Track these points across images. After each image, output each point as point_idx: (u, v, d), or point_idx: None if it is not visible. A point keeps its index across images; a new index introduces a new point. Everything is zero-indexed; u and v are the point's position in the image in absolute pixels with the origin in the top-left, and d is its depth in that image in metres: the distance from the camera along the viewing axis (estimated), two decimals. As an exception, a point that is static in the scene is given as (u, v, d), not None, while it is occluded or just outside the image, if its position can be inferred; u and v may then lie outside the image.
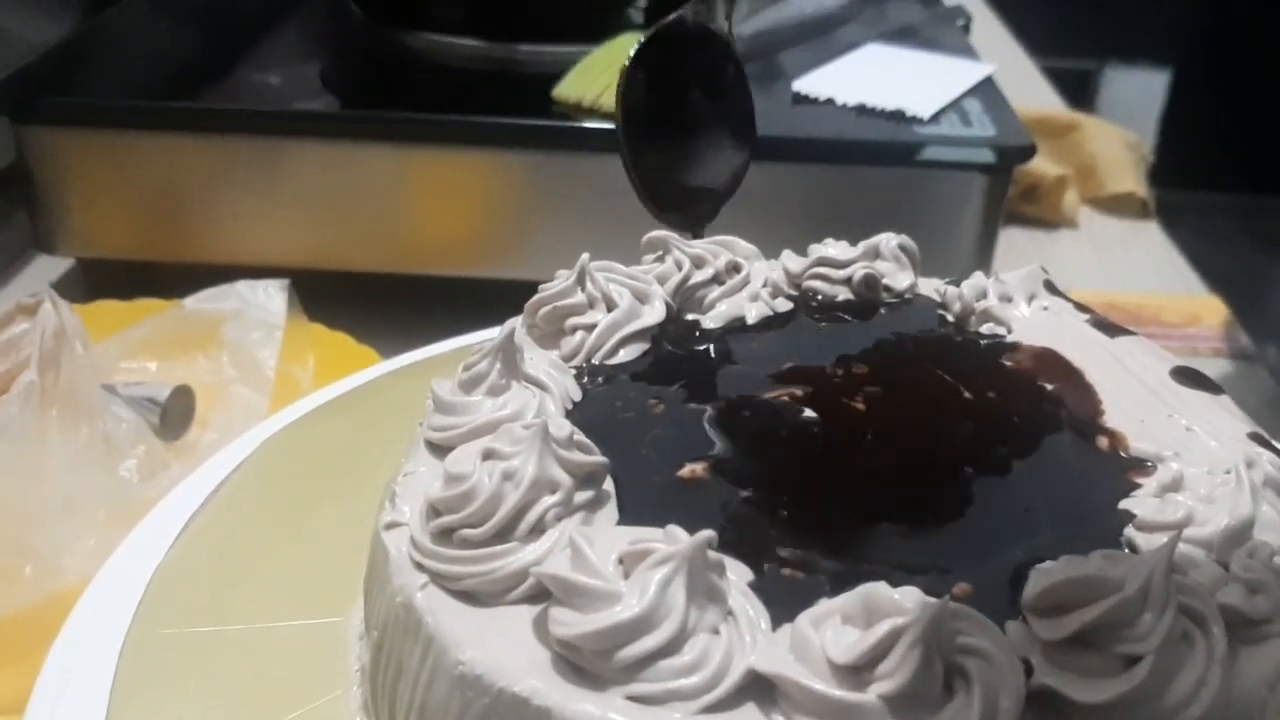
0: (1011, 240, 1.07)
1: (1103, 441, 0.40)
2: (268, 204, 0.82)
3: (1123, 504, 0.37)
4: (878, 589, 0.30)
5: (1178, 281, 1.01)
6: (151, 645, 0.42)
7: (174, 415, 0.67)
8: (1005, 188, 0.82)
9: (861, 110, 0.84)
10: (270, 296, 0.74)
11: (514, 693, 0.31)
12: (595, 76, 0.82)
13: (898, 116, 0.83)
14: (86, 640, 0.43)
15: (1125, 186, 1.12)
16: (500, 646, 0.32)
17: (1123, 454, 0.40)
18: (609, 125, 0.78)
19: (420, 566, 0.35)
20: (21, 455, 0.60)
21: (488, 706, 0.32)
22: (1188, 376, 0.44)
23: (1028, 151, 0.80)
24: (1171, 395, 0.43)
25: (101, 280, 0.87)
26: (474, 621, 0.33)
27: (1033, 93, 1.39)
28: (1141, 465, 0.39)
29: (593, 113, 0.80)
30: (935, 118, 0.83)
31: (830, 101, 0.85)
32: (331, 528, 0.46)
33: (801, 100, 0.86)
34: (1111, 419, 0.41)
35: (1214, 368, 0.87)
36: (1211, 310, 0.95)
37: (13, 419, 0.61)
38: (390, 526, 0.37)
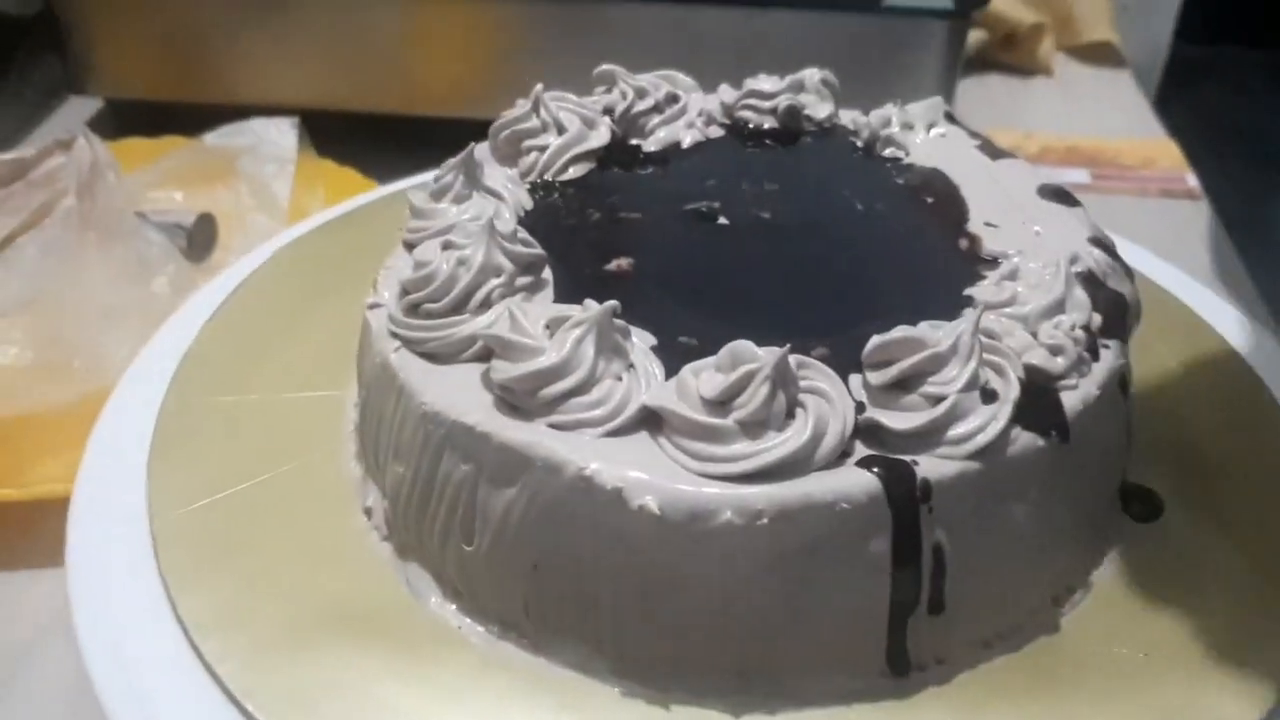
0: (988, 86, 1.12)
1: (963, 243, 0.48)
2: (280, 47, 0.89)
3: (967, 290, 0.45)
4: (741, 344, 0.38)
5: (1141, 126, 1.07)
6: (183, 411, 0.51)
7: (199, 239, 0.75)
8: (964, 34, 0.87)
9: (830, -43, 0.89)
10: (282, 133, 0.81)
11: (463, 423, 0.40)
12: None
13: (863, -37, 0.88)
14: (129, 407, 0.52)
15: (1101, 35, 1.16)
16: (454, 391, 0.41)
17: (979, 253, 0.47)
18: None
19: (394, 335, 0.43)
20: (65, 270, 0.68)
21: (444, 436, 0.40)
22: (1050, 192, 0.52)
23: (983, -1, 0.85)
24: (1032, 206, 0.50)
25: (128, 119, 0.94)
26: (434, 375, 0.42)
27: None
28: (990, 261, 0.47)
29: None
30: (900, -36, 0.88)
31: (800, -51, 0.90)
32: (333, 319, 0.54)
33: (775, -53, 0.91)
34: (974, 225, 0.49)
35: (1161, 207, 0.94)
36: (1166, 154, 1.01)
37: (56, 238, 0.70)
38: (373, 306, 0.46)
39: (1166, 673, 0.41)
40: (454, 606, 0.43)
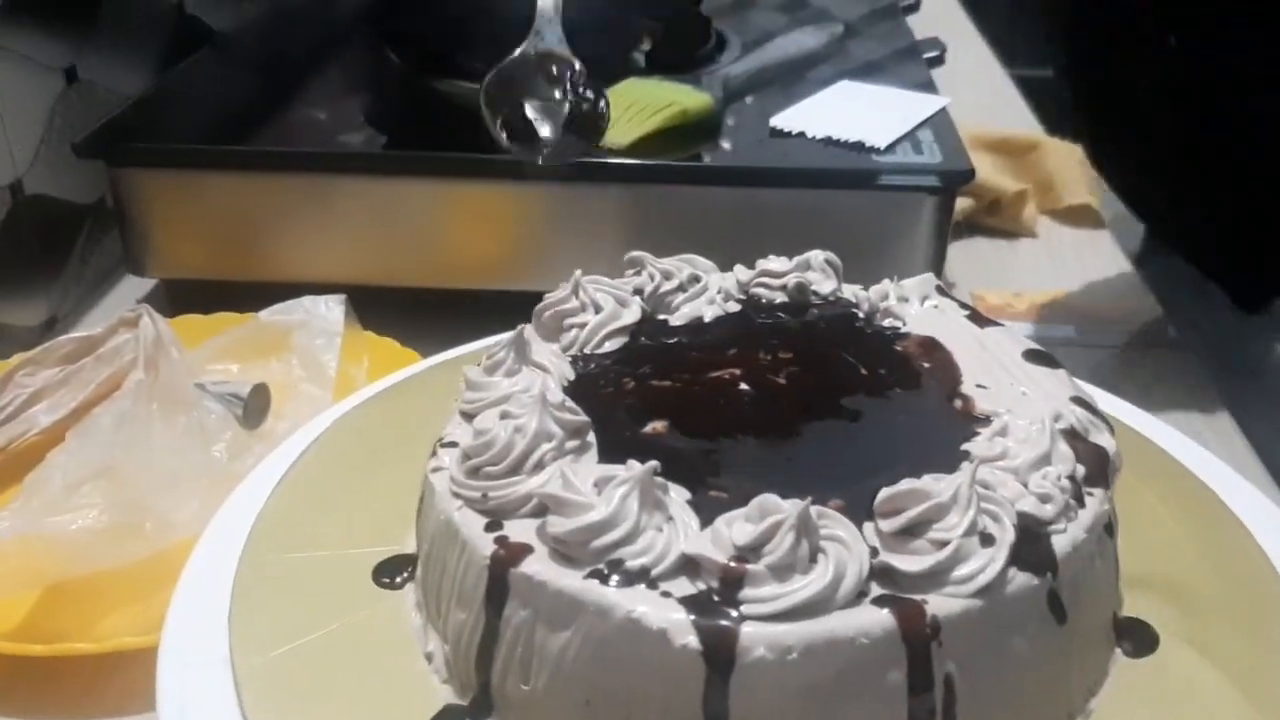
0: (977, 249, 1.20)
1: (958, 404, 0.54)
2: (324, 230, 0.96)
3: (963, 446, 0.50)
4: (768, 497, 0.44)
5: (1121, 282, 1.14)
6: (259, 567, 0.56)
7: (254, 408, 0.81)
8: (950, 206, 0.95)
9: (828, 142, 0.97)
10: (330, 309, 0.87)
11: (523, 573, 0.45)
12: (599, 118, 0.96)
13: (858, 147, 0.96)
14: (208, 566, 0.57)
15: (1080, 199, 1.25)
16: (513, 544, 0.46)
17: (972, 412, 0.53)
18: (611, 160, 0.93)
19: (457, 495, 0.49)
20: (135, 438, 0.74)
21: (504, 585, 0.46)
22: (1034, 355, 0.58)
23: (967, 175, 0.93)
24: (1018, 369, 0.56)
25: (182, 296, 1.01)
26: (494, 530, 0.47)
27: (1005, 108, 1.52)
28: (983, 419, 0.52)
29: (599, 149, 0.94)
30: (891, 147, 0.96)
31: (802, 134, 0.98)
32: (388, 482, 0.60)
33: (777, 134, 0.99)
34: (967, 388, 0.55)
35: (1144, 358, 1.01)
36: (1146, 307, 1.08)
37: (126, 410, 0.76)
38: (435, 470, 0.52)
39: (1165, 794, 0.46)
40: (511, 742, 0.47)
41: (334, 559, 0.56)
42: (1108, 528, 0.50)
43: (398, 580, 0.55)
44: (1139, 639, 0.52)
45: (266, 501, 0.61)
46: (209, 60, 1.18)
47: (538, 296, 0.62)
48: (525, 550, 0.46)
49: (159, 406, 0.77)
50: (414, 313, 0.91)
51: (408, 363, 0.80)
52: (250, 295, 0.91)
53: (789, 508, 0.43)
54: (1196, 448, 0.66)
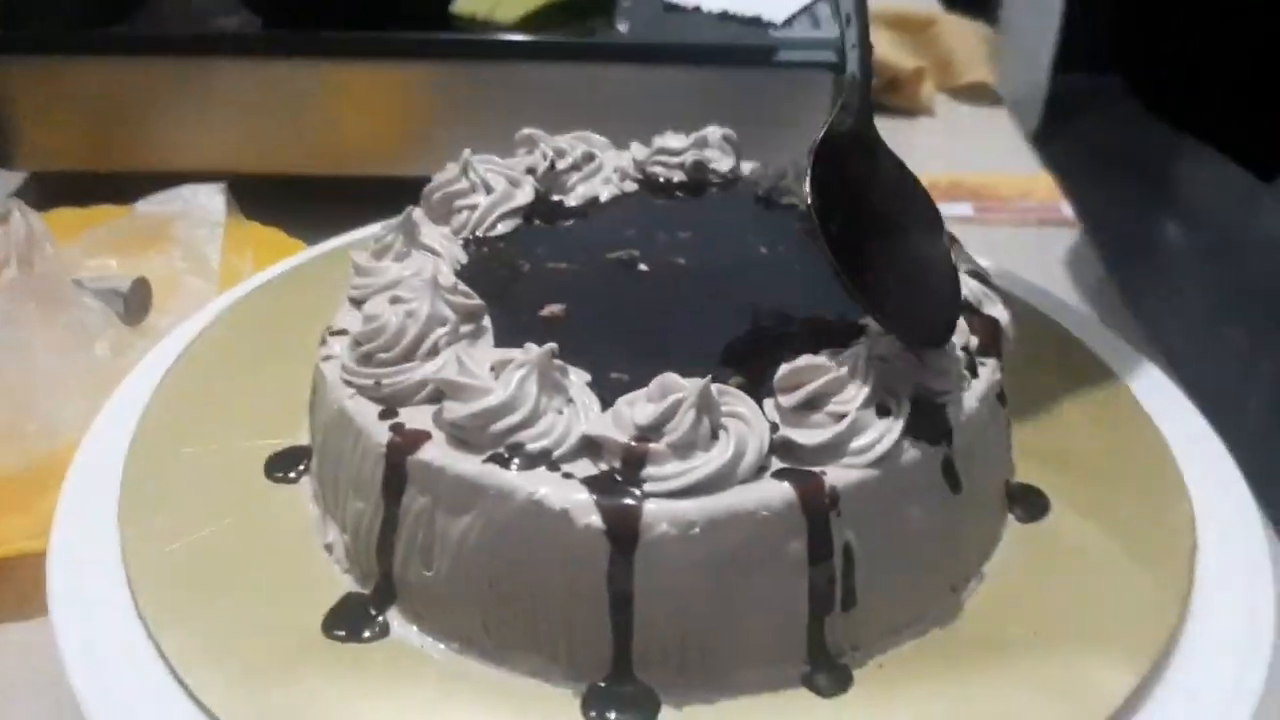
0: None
1: (858, 280, 0.54)
2: (200, 116, 0.92)
3: (860, 320, 0.50)
4: (669, 376, 0.43)
5: (1018, 160, 1.15)
6: (148, 464, 0.54)
7: (135, 303, 0.78)
8: (849, 82, 0.94)
9: (724, 16, 0.95)
10: (211, 198, 0.84)
11: (420, 460, 0.44)
12: (488, -9, 0.92)
13: (755, 21, 0.94)
14: (94, 463, 0.55)
15: (977, 76, 1.25)
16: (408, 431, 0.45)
17: (870, 287, 0.53)
18: (499, 37, 0.90)
19: (349, 383, 0.48)
20: (12, 339, 0.70)
21: (401, 472, 0.45)
22: (932, 231, 0.58)
23: (866, 50, 0.92)
24: (918, 244, 0.56)
25: (54, 189, 0.96)
26: (389, 417, 0.46)
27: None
28: (881, 294, 0.52)
29: (486, 25, 0.91)
30: (788, 22, 0.94)
31: (697, 9, 0.96)
32: (278, 374, 0.58)
33: (672, 8, 0.96)
34: (867, 263, 0.55)
35: (1039, 235, 1.02)
36: (1042, 186, 1.09)
37: (2, 310, 0.72)
38: (326, 359, 0.50)
39: (1054, 649, 0.47)
40: (415, 628, 0.47)
41: (225, 453, 0.55)
42: (1000, 397, 0.51)
43: (292, 474, 0.53)
44: (1031, 505, 0.53)
45: (152, 398, 0.59)
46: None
47: (428, 182, 0.60)
48: (422, 437, 0.45)
49: (36, 305, 0.73)
50: (300, 201, 0.88)
51: (294, 252, 0.77)
52: (126, 186, 0.87)
53: (690, 386, 0.43)
54: (1088, 321, 0.67)
